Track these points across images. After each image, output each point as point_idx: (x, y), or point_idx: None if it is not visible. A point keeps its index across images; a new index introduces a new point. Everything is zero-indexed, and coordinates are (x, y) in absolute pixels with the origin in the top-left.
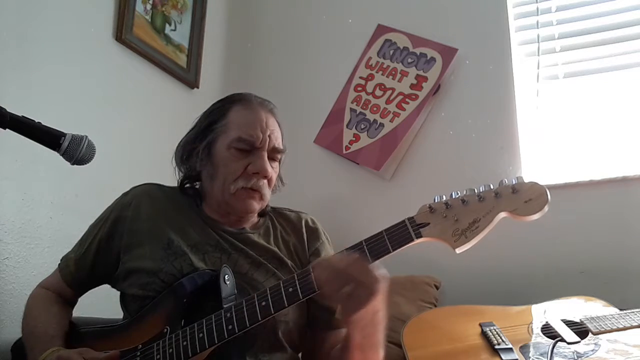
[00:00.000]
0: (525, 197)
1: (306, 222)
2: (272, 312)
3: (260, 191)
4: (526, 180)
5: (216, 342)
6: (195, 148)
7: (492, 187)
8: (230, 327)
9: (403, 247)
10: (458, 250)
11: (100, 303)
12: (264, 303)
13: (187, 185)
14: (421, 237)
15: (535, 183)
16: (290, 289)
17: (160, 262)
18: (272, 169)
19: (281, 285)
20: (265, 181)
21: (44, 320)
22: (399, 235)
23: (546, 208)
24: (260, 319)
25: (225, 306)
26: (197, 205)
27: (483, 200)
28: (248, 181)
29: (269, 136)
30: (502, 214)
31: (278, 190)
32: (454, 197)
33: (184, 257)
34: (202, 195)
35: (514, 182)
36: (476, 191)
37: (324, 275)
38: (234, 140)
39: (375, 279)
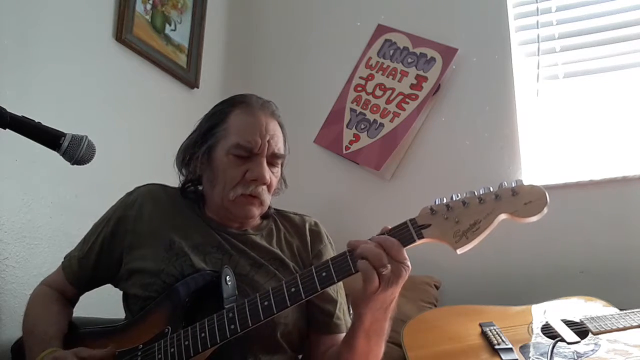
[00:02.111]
0: (525, 200)
1: (310, 224)
2: (275, 312)
3: (260, 197)
4: (525, 182)
5: (218, 341)
6: (195, 152)
7: (492, 189)
8: (232, 326)
9: (405, 248)
10: (459, 251)
11: (102, 303)
12: (266, 303)
13: (189, 188)
14: (423, 238)
15: (535, 185)
16: (293, 289)
17: (161, 262)
18: (272, 174)
19: (284, 285)
20: (265, 187)
21: (44, 320)
22: (402, 236)
23: (545, 210)
24: (262, 318)
25: (226, 306)
26: (199, 207)
27: (483, 202)
28: (247, 188)
29: (269, 141)
30: (502, 216)
31: (281, 192)
32: (454, 199)
33: (185, 258)
34: (204, 199)
35: (513, 185)
36: (476, 193)
37: (371, 249)
38: (232, 146)
39: (406, 262)
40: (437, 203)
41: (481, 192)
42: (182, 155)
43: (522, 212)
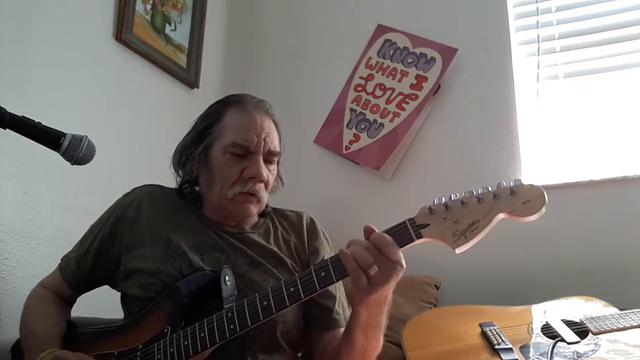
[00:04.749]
0: (523, 199)
1: (306, 221)
2: (274, 312)
3: (257, 195)
4: (524, 182)
5: (217, 341)
6: (191, 153)
7: (490, 189)
8: (232, 326)
9: (404, 248)
10: (458, 251)
11: (101, 303)
12: (265, 303)
13: (186, 189)
14: (421, 237)
15: (533, 185)
16: (292, 289)
17: (160, 262)
18: (269, 172)
19: (283, 285)
20: (262, 184)
21: (42, 320)
22: (400, 235)
23: (544, 209)
24: (262, 318)
25: (226, 306)
26: (197, 207)
27: (482, 201)
28: (244, 186)
29: (264, 139)
30: (501, 215)
31: (278, 190)
32: (453, 199)
33: (183, 258)
34: (201, 199)
35: (512, 184)
36: (475, 193)
37: (357, 250)
38: (228, 145)
39: (400, 262)
40: (435, 203)
41: (480, 192)
42: (179, 156)
43: (520, 211)
